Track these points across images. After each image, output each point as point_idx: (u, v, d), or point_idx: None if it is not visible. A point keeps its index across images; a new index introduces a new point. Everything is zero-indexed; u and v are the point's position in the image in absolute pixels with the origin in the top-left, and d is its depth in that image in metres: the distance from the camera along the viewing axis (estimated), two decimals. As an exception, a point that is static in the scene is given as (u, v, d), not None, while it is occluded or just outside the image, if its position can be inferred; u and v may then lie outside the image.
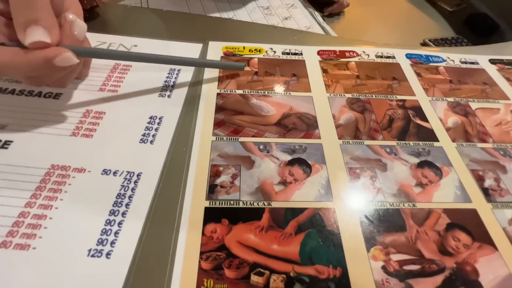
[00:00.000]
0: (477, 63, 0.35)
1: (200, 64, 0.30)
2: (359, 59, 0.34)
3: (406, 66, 0.33)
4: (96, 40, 0.32)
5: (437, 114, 0.29)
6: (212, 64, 0.30)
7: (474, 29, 0.48)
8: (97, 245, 0.18)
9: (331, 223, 0.20)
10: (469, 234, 0.21)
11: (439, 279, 0.19)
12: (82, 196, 0.20)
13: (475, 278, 0.19)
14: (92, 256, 0.18)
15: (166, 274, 0.18)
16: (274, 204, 0.21)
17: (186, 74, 0.30)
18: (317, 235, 0.20)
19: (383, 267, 0.19)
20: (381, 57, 0.34)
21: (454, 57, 0.36)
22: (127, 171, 0.22)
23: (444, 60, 0.35)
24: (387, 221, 0.21)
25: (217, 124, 0.26)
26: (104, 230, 0.19)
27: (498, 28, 0.49)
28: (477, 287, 0.18)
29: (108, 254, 0.18)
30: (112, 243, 0.18)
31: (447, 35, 0.46)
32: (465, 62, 0.35)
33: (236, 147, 0.24)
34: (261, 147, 0.24)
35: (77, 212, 0.19)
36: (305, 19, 0.44)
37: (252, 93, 0.29)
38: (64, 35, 0.22)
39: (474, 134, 0.27)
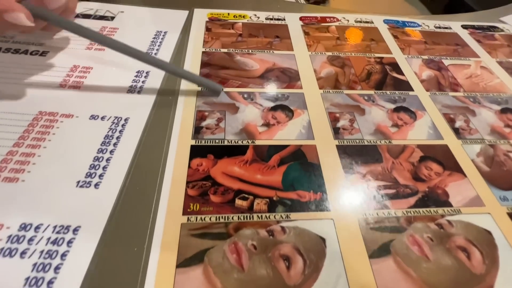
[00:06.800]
0: (450, 28, 0.37)
1: (176, 72, 0.24)
2: (339, 23, 0.35)
3: (384, 30, 0.35)
4: (83, 7, 0.33)
5: (412, 69, 0.30)
6: (189, 77, 0.24)
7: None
8: (85, 177, 0.19)
9: (312, 157, 0.21)
10: (440, 164, 0.22)
11: (412, 200, 0.20)
12: (71, 137, 0.21)
13: (445, 199, 0.20)
14: (81, 187, 0.18)
15: (153, 201, 0.18)
16: (258, 142, 0.22)
17: (173, 35, 0.31)
18: (299, 166, 0.21)
19: (361, 192, 0.20)
20: (360, 22, 0.36)
21: (429, 23, 0.38)
22: (115, 116, 0.22)
23: (420, 25, 0.37)
24: (365, 155, 0.22)
25: (203, 76, 0.27)
26: (92, 166, 0.20)
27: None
28: (447, 205, 0.20)
29: (96, 184, 0.19)
30: (100, 176, 0.19)
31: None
32: (439, 27, 0.37)
33: (221, 96, 0.25)
34: (245, 95, 0.25)
35: (66, 150, 0.20)
36: None
37: (236, 51, 0.30)
38: None
39: (446, 85, 0.29)
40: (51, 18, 0.22)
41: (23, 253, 0.15)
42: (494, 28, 0.38)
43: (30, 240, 0.16)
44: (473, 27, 0.38)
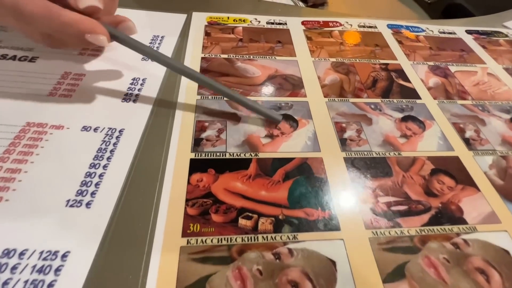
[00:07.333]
0: (454, 33, 0.36)
1: (236, 99, 0.22)
2: (342, 28, 0.34)
3: (388, 35, 0.34)
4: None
5: (418, 76, 0.29)
6: (248, 105, 0.22)
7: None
8: (76, 196, 0.17)
9: (319, 171, 0.20)
10: (452, 178, 0.21)
11: (425, 217, 0.19)
12: (61, 150, 0.19)
13: (460, 215, 0.19)
14: (71, 206, 0.17)
15: (150, 222, 0.17)
16: (261, 155, 0.21)
17: (170, 39, 0.29)
18: (305, 181, 0.20)
19: (372, 209, 0.19)
20: (364, 26, 0.35)
21: (432, 27, 0.37)
22: (108, 127, 0.21)
23: (424, 30, 0.36)
24: (374, 168, 0.21)
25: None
26: (83, 182, 0.18)
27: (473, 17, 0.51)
28: (461, 222, 0.19)
29: (88, 204, 0.17)
30: (93, 194, 0.18)
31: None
32: (443, 32, 0.36)
33: (221, 104, 0.24)
34: (247, 104, 0.24)
35: (55, 166, 0.19)
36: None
37: (237, 57, 0.29)
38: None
39: (454, 93, 0.28)
40: (126, 40, 0.21)
41: (5, 284, 0.14)
42: (498, 33, 0.38)
43: (14, 268, 0.14)
44: (477, 32, 0.37)
